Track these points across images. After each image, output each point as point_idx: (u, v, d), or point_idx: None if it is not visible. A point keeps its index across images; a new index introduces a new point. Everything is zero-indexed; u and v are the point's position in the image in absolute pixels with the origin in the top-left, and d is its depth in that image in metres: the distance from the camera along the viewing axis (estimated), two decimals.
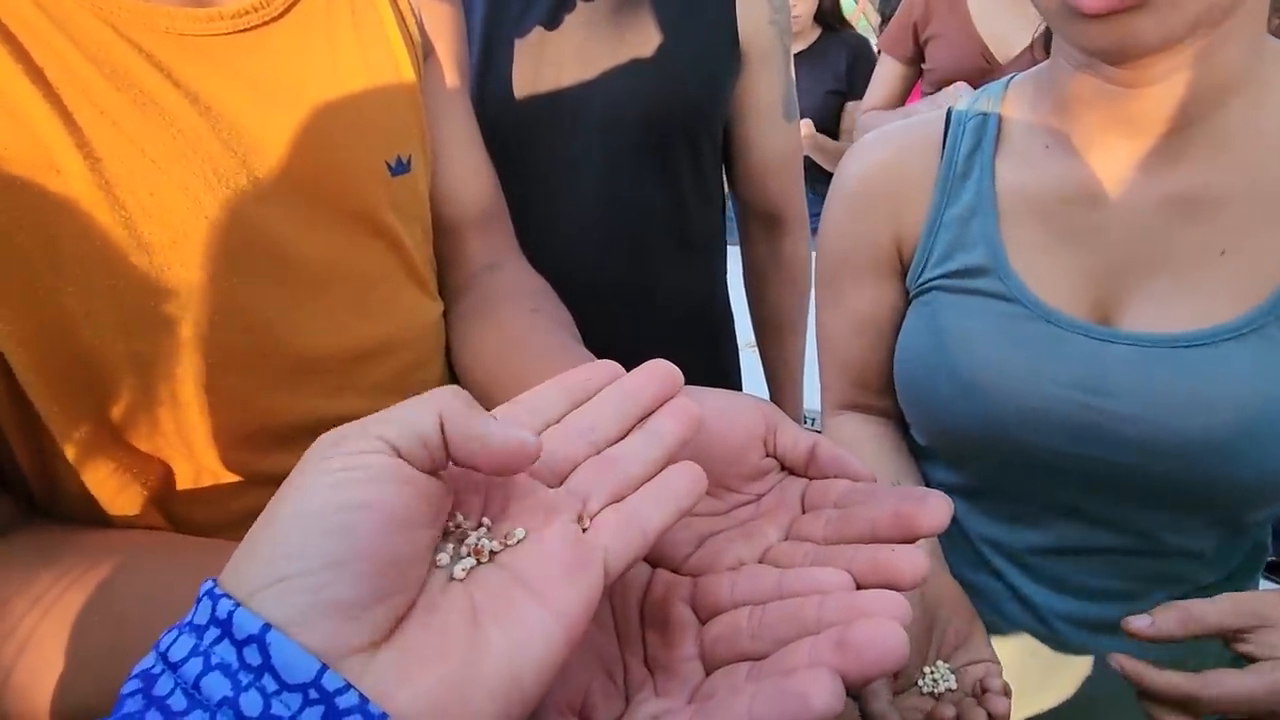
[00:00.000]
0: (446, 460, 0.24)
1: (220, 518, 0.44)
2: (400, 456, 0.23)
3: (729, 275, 1.06)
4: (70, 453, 0.39)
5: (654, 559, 0.33)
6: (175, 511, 0.43)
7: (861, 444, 0.68)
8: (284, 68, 0.44)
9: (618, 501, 0.27)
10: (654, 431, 0.29)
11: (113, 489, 0.40)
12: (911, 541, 0.29)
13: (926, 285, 0.61)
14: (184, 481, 0.43)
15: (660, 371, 0.31)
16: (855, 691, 0.23)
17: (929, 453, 0.68)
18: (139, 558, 0.38)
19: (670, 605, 0.30)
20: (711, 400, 0.36)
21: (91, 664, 0.34)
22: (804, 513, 0.34)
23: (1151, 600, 0.51)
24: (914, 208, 0.62)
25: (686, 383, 0.32)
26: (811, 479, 0.35)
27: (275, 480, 0.46)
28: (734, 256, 1.08)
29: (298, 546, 0.21)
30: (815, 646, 0.24)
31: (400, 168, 0.51)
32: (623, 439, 0.29)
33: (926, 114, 0.65)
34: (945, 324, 0.59)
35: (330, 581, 0.20)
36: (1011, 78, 0.62)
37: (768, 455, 0.36)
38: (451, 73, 0.59)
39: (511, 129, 0.82)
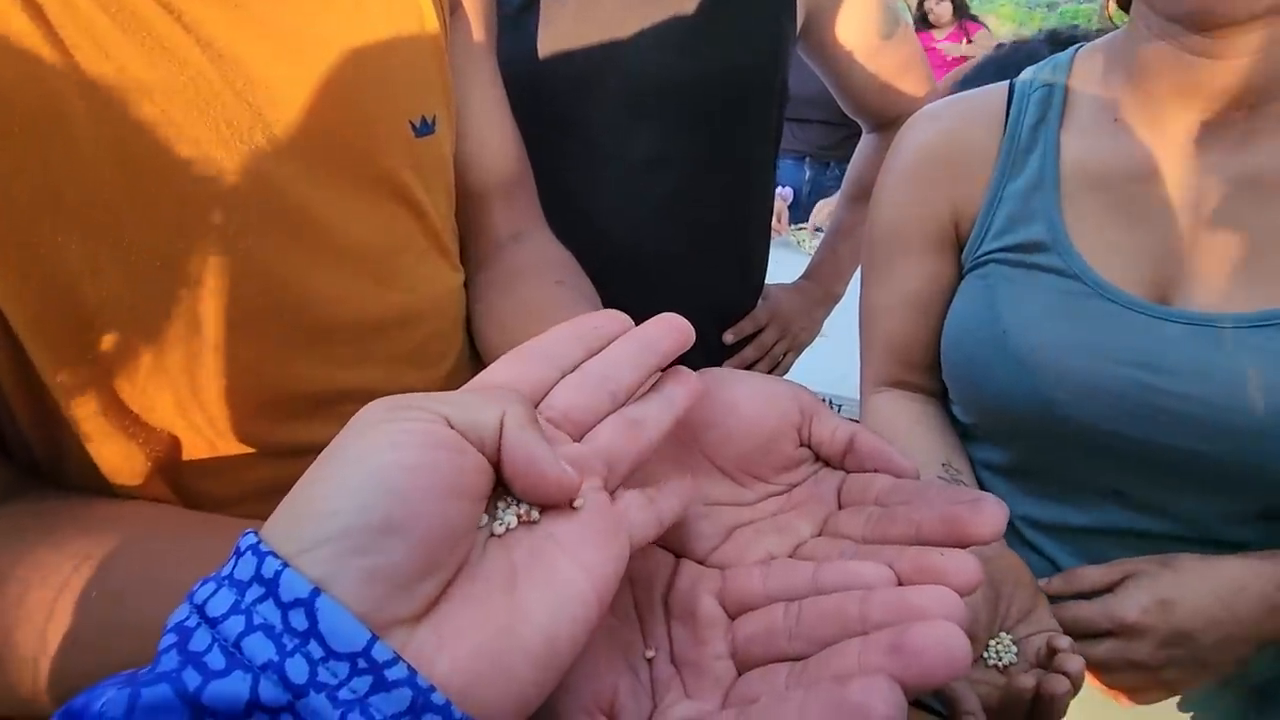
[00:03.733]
0: (497, 457, 0.24)
1: (230, 491, 0.43)
2: (455, 430, 0.23)
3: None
4: (74, 418, 0.37)
5: (678, 549, 0.31)
6: (184, 483, 0.41)
7: (906, 422, 0.67)
8: (304, 16, 0.42)
9: (638, 468, 0.27)
10: (666, 397, 0.29)
11: (118, 458, 0.38)
12: (961, 548, 0.27)
13: (984, 258, 0.61)
14: (193, 452, 0.41)
15: (674, 324, 0.30)
16: (910, 697, 0.22)
17: (971, 430, 0.68)
18: (142, 534, 0.36)
19: (697, 599, 0.29)
20: (744, 384, 0.34)
21: (90, 641, 0.33)
22: (840, 508, 0.32)
23: None
24: (974, 180, 0.61)
25: (725, 364, 0.31)
26: (849, 472, 0.33)
27: (291, 452, 0.45)
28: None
29: (351, 504, 0.20)
30: (866, 650, 0.23)
31: (425, 128, 0.48)
32: (637, 391, 0.29)
33: (988, 85, 0.63)
34: (1001, 298, 0.59)
35: (384, 547, 0.20)
36: (1079, 47, 0.61)
37: (802, 444, 0.34)
38: (479, 30, 0.57)
39: (545, 92, 0.79)
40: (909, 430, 0.67)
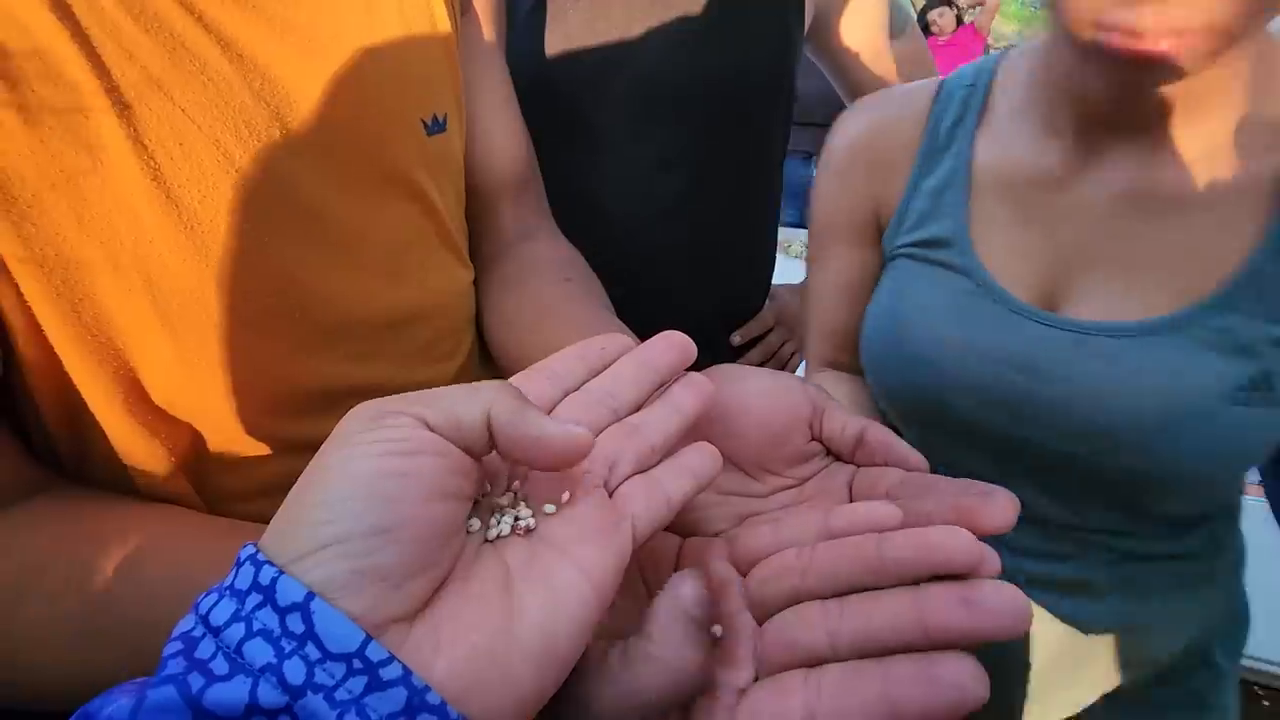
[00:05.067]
0: (489, 449, 0.24)
1: (247, 486, 0.43)
2: (435, 433, 0.23)
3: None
4: (98, 412, 0.37)
5: (689, 533, 0.32)
6: (203, 478, 0.42)
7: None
8: (318, 15, 0.42)
9: (642, 471, 0.27)
10: (673, 404, 0.29)
11: (142, 453, 0.39)
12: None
13: (896, 252, 0.63)
14: (212, 447, 0.41)
15: (675, 341, 0.31)
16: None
17: (884, 415, 0.70)
18: (171, 534, 0.37)
19: (709, 563, 0.29)
20: (755, 380, 0.35)
21: (121, 639, 0.33)
22: (851, 501, 0.32)
23: (1088, 561, 0.58)
24: (895, 174, 0.63)
25: (736, 360, 0.31)
26: (860, 466, 0.34)
27: (305, 447, 0.45)
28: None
29: (340, 512, 0.21)
30: (930, 605, 0.23)
31: (436, 127, 0.49)
32: (641, 407, 0.29)
33: (919, 81, 0.65)
34: (907, 293, 0.60)
35: (374, 549, 0.20)
36: (1008, 49, 0.62)
37: (813, 439, 0.34)
38: (489, 29, 0.57)
39: (553, 93, 0.80)
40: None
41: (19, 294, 0.34)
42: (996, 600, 0.22)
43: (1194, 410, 0.50)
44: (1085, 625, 0.60)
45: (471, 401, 0.24)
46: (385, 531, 0.21)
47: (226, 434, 0.41)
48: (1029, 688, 0.67)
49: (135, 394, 0.38)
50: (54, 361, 0.36)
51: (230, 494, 0.43)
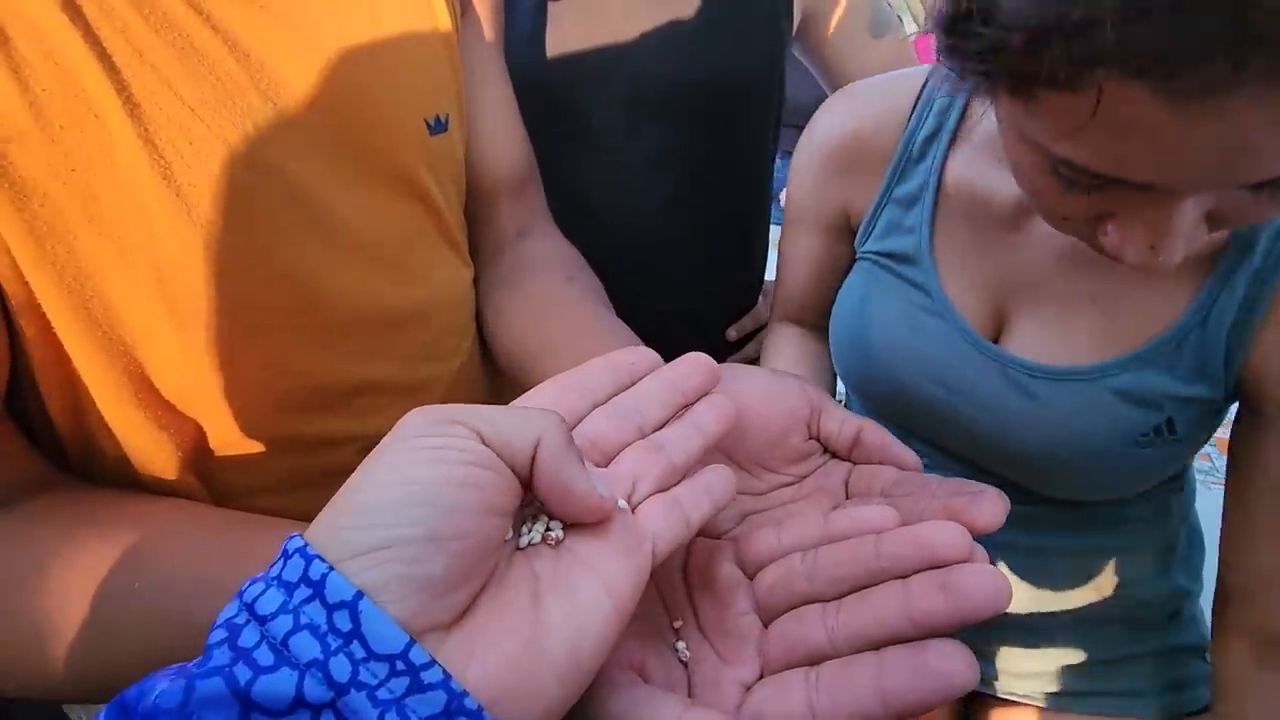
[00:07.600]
0: (528, 477, 0.24)
1: (254, 482, 0.43)
2: (490, 449, 0.23)
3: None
4: (107, 408, 0.38)
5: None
6: (211, 475, 0.42)
7: (792, 356, 0.75)
8: (323, 16, 0.43)
9: (663, 489, 0.28)
10: (696, 424, 0.30)
11: (148, 449, 0.39)
12: None
13: (865, 255, 0.65)
14: (219, 444, 0.42)
15: (702, 363, 0.32)
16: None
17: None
18: (182, 528, 0.37)
19: (716, 567, 0.30)
20: (755, 379, 0.36)
21: (134, 631, 0.33)
22: (847, 498, 0.33)
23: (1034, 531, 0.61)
24: (869, 178, 0.64)
25: (729, 354, 0.31)
26: (856, 464, 0.35)
27: (311, 444, 0.45)
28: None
29: (396, 517, 0.21)
30: (912, 595, 0.24)
31: (439, 127, 0.49)
32: (664, 426, 0.30)
33: (905, 75, 0.64)
34: (872, 296, 0.63)
35: (424, 556, 0.21)
36: None
37: (810, 438, 0.35)
38: (488, 29, 0.57)
39: (551, 92, 0.80)
40: (792, 363, 0.74)
41: (29, 291, 0.35)
42: (973, 582, 0.23)
43: (1103, 452, 0.54)
44: (1043, 580, 0.65)
45: (526, 430, 0.24)
46: (438, 540, 0.21)
47: (234, 430, 0.42)
48: (999, 644, 0.70)
49: (145, 390, 0.38)
50: (63, 358, 0.36)
51: (237, 490, 0.43)
